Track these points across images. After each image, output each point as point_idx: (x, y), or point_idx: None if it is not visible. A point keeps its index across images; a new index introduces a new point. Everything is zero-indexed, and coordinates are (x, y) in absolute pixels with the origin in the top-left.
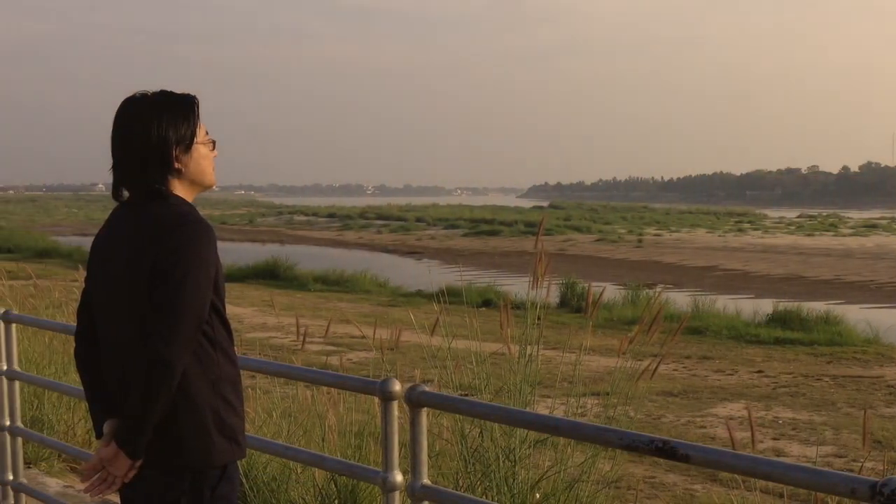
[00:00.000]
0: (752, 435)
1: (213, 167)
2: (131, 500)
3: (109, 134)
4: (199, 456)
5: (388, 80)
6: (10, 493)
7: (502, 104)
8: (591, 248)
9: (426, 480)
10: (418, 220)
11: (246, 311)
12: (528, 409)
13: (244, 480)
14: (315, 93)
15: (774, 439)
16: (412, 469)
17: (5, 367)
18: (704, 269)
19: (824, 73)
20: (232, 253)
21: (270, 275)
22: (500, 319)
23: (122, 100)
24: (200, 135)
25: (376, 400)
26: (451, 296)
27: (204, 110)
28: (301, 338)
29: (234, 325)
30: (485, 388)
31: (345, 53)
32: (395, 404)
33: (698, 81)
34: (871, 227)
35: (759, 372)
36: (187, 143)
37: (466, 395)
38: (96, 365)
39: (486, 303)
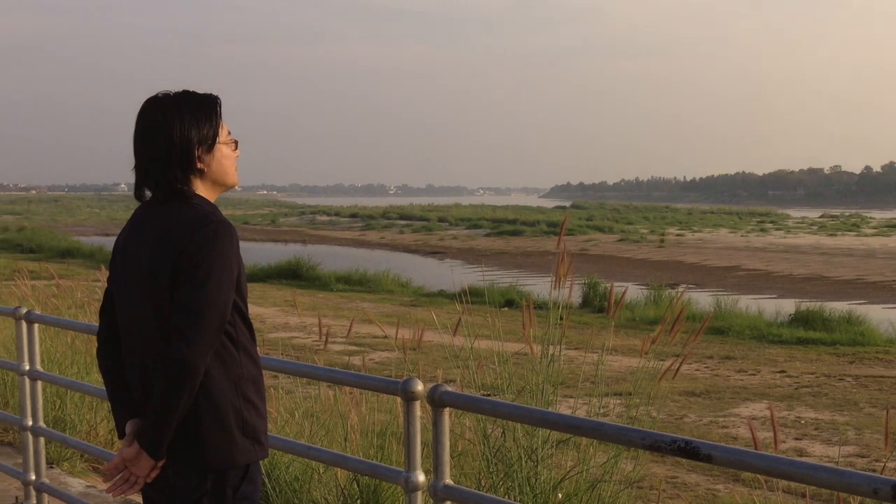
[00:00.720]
0: (775, 435)
1: (236, 167)
2: (153, 501)
3: (132, 134)
4: (222, 456)
5: (410, 79)
6: (33, 493)
7: (525, 104)
8: (613, 248)
9: (448, 480)
10: (441, 220)
11: (268, 311)
12: (550, 410)
13: (266, 480)
14: (338, 93)
15: (797, 439)
16: (435, 469)
17: (28, 368)
18: (727, 269)
19: (846, 73)
20: (254, 253)
21: (293, 275)
22: (523, 319)
23: (144, 100)
24: (223, 135)
25: (399, 400)
26: (473, 296)
27: (226, 110)
28: (323, 338)
29: (256, 325)
30: (507, 388)
31: (367, 53)
32: (418, 404)
33: (721, 81)
34: (893, 226)
35: (782, 372)
36: (209, 143)
37: (489, 395)
38: (118, 365)
39: (509, 303)
